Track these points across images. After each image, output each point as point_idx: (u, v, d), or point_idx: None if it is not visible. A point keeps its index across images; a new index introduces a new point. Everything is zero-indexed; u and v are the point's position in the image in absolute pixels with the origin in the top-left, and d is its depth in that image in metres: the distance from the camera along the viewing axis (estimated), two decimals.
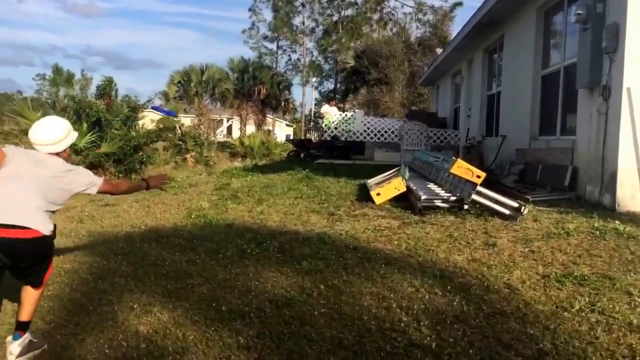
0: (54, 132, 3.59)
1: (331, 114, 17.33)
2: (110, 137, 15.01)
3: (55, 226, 3.40)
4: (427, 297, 3.63)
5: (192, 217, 6.54)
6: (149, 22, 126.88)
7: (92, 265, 4.62)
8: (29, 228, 3.16)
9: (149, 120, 21.77)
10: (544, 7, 9.57)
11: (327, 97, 46.72)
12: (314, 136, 40.26)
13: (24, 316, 3.33)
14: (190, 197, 8.18)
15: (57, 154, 3.57)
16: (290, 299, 3.67)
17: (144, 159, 15.96)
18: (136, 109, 17.82)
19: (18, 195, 3.24)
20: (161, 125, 22.82)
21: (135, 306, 3.60)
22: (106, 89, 21.59)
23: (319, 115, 16.64)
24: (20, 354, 3.15)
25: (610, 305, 3.35)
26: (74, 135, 3.75)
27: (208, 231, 5.79)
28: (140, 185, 4.07)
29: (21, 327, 3.27)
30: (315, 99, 51.56)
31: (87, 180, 3.62)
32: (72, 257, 4.93)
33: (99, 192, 3.71)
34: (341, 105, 38.06)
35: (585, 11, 6.92)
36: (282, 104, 41.38)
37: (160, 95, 38.28)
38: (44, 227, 3.25)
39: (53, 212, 3.46)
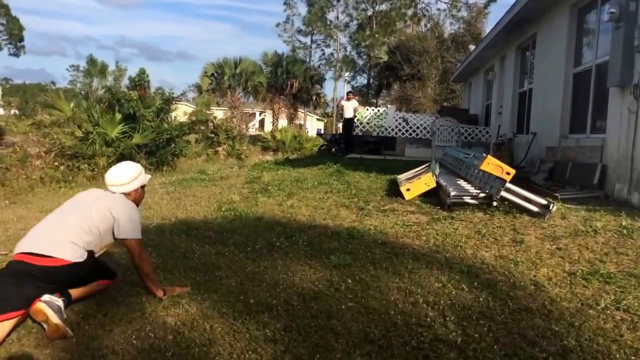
0: (122, 174, 3.91)
1: (346, 107, 17.41)
2: (142, 129, 15.21)
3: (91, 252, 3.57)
4: (453, 292, 3.69)
5: (222, 210, 6.65)
6: (183, 13, 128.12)
7: (121, 256, 4.68)
8: (53, 257, 3.34)
9: (181, 112, 22.05)
10: (577, 5, 9.49)
11: (354, 90, 46.66)
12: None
13: (74, 292, 3.56)
14: (221, 190, 8.32)
15: (128, 194, 3.89)
16: (317, 292, 3.74)
17: (176, 152, 16.14)
18: (169, 101, 18.03)
19: (54, 225, 3.54)
20: (194, 118, 23.08)
21: (164, 298, 3.66)
22: (140, 80, 21.84)
23: (340, 109, 16.68)
24: (48, 303, 3.27)
25: (636, 304, 3.38)
26: (144, 178, 4.02)
27: (238, 224, 5.89)
28: (155, 284, 3.74)
29: (62, 294, 3.45)
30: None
31: (131, 225, 3.75)
32: None
33: (127, 244, 3.76)
34: (374, 101, 37.97)
35: (618, 9, 6.88)
36: (314, 98, 41.45)
37: (194, 88, 38.67)
38: (71, 255, 3.39)
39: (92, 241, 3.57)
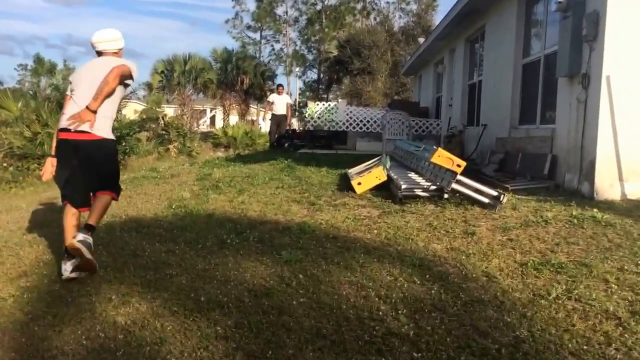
0: (111, 34, 4.52)
1: (277, 102, 16.42)
2: None
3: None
4: (405, 285, 3.62)
5: (173, 207, 6.48)
6: (131, 11, 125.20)
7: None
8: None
9: (132, 110, 21.58)
10: None
11: (310, 88, 46.78)
12: (297, 126, 40.19)
13: (92, 220, 4.16)
14: (171, 188, 8.14)
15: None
16: (269, 288, 3.64)
17: (127, 150, 15.82)
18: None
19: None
20: (144, 116, 22.65)
21: (113, 297, 3.56)
22: None
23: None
24: (81, 242, 3.90)
25: (587, 293, 3.37)
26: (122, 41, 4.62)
27: (188, 221, 5.74)
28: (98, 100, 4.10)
29: (87, 228, 4.08)
30: (300, 89, 51.46)
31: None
32: (51, 248, 4.87)
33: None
34: (324, 96, 38.04)
35: None
36: (266, 93, 41.28)
37: (144, 86, 37.99)
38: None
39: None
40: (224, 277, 3.91)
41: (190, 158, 18.43)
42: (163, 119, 22.52)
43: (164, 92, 34.51)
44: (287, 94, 17.11)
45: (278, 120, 16.60)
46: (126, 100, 18.57)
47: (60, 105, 15.51)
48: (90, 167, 4.20)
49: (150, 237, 5.12)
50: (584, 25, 6.58)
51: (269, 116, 16.68)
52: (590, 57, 6.59)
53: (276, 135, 16.90)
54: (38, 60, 64.18)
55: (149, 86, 35.72)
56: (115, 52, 4.51)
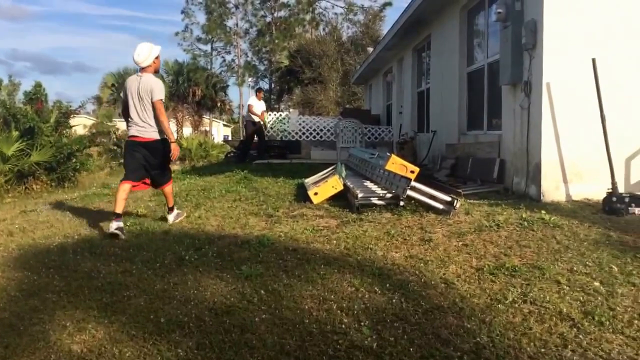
0: (138, 55, 5.92)
1: (256, 107, 15.57)
2: (41, 145, 14.44)
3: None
4: (366, 296, 3.67)
5: (128, 224, 6.35)
6: (79, 25, 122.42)
7: (22, 281, 4.39)
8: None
9: (81, 125, 21.13)
10: (467, 7, 9.88)
11: (254, 89, 46.73)
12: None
13: (169, 203, 6.44)
14: (126, 204, 7.96)
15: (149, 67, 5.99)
16: (230, 306, 3.62)
17: (77, 166, 15.45)
18: (68, 114, 17.27)
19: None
20: (95, 131, 22.22)
21: (68, 324, 3.43)
22: (36, 94, 20.79)
23: (248, 110, 15.48)
24: (174, 220, 6.32)
25: (541, 295, 3.49)
26: (155, 50, 6.03)
27: (145, 239, 5.64)
28: (170, 132, 6.19)
29: (170, 209, 6.44)
30: None
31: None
32: (0, 273, 4.71)
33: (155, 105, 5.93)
34: (276, 106, 38.03)
35: (505, 9, 7.19)
36: (219, 104, 41.10)
37: (93, 100, 37.27)
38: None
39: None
40: (183, 297, 3.85)
41: None
42: (115, 133, 22.13)
43: (115, 105, 33.93)
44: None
45: (258, 127, 15.73)
46: (75, 114, 18.15)
47: (6, 123, 15.19)
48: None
49: (106, 258, 4.99)
50: (523, 34, 6.82)
51: (256, 119, 15.54)
52: (530, 65, 6.83)
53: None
54: None
55: (98, 100, 35.07)
56: (151, 65, 6.01)
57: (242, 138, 17.24)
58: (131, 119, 6.03)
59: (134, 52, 5.91)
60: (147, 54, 5.91)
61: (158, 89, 5.94)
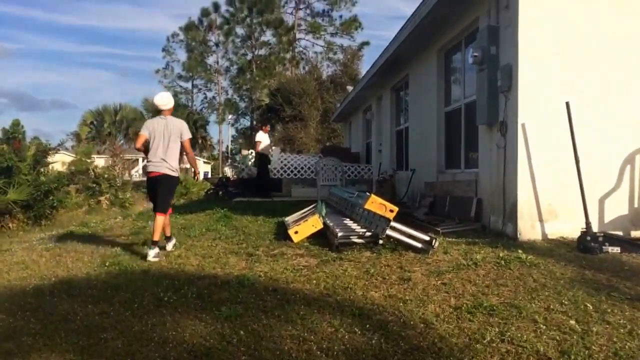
0: (163, 100, 7.04)
1: (264, 143, 16.16)
2: (18, 183, 14.31)
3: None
4: (346, 336, 3.68)
5: (107, 264, 6.30)
6: (57, 62, 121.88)
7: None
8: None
9: (60, 162, 20.95)
10: (444, 49, 10.13)
11: (260, 121, 46.89)
12: (231, 174, 40.00)
13: (154, 237, 6.65)
14: (104, 244, 7.91)
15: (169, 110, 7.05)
16: (209, 347, 3.60)
17: (55, 204, 15.28)
18: (46, 152, 17.17)
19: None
20: (73, 168, 22.00)
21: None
22: (14, 132, 20.65)
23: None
24: (154, 257, 6.41)
25: (519, 334, 3.54)
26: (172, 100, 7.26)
27: (123, 279, 5.58)
28: (197, 166, 7.62)
29: (154, 244, 6.58)
30: (232, 136, 51.46)
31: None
32: None
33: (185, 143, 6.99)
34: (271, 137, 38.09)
35: (481, 53, 7.38)
36: (199, 142, 41.12)
37: (72, 136, 37.09)
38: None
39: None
40: (162, 338, 3.82)
41: (123, 209, 17.99)
42: (93, 170, 21.96)
43: (94, 142, 33.78)
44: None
45: (266, 160, 16.23)
46: (54, 152, 18.04)
47: None
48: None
49: (83, 299, 4.91)
50: (499, 77, 7.01)
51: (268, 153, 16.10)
52: (506, 107, 7.01)
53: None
54: None
55: (77, 137, 34.92)
56: (170, 110, 7.05)
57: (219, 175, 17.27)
58: (152, 156, 6.82)
59: (156, 99, 7.08)
60: (168, 100, 7.07)
61: (186, 129, 7.05)
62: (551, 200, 6.69)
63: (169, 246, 7.05)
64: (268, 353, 3.49)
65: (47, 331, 4.10)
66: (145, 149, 6.96)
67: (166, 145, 6.80)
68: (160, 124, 6.88)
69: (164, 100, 7.05)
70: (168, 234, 7.12)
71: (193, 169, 7.53)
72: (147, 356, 3.52)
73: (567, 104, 6.44)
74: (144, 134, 6.92)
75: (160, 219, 6.75)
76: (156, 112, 7.25)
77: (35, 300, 4.95)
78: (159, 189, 6.86)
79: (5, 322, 4.40)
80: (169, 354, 3.54)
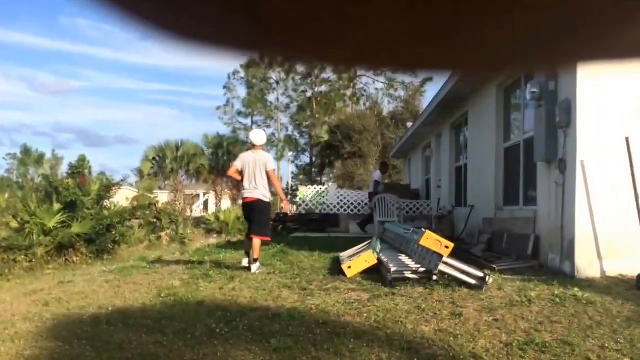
0: (260, 137, 8.37)
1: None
2: (82, 217, 14.89)
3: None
4: None
5: (162, 296, 6.48)
6: (122, 99, 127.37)
7: (54, 351, 4.48)
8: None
9: (124, 197, 21.72)
10: (503, 85, 10.10)
11: (303, 172, 47.39)
12: (289, 210, 40.30)
13: (255, 255, 7.86)
14: (161, 277, 8.15)
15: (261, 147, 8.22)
16: None
17: (117, 239, 15.78)
18: (109, 188, 17.84)
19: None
20: (136, 203, 22.74)
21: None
22: (79, 167, 21.56)
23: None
24: (255, 270, 7.62)
25: None
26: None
27: (178, 310, 5.74)
28: (284, 195, 9.02)
29: (255, 260, 7.83)
30: (292, 173, 52.01)
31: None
32: (34, 343, 4.78)
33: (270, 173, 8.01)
34: (318, 179, 38.43)
35: (539, 89, 7.33)
36: None
37: (135, 172, 38.28)
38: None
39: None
40: None
41: (182, 246, 18.39)
42: (155, 205, 22.58)
43: (156, 178, 34.74)
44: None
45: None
46: (118, 188, 18.73)
47: (48, 195, 15.82)
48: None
49: (138, 329, 5.04)
50: (557, 113, 6.94)
51: None
52: (565, 143, 6.91)
53: None
54: (25, 150, 64.88)
55: (140, 172, 35.96)
56: (261, 146, 8.21)
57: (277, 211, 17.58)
58: (247, 184, 7.94)
59: (252, 135, 8.47)
60: (263, 138, 8.37)
61: (271, 161, 8.22)
62: (611, 237, 6.51)
63: (254, 268, 7.79)
64: None
65: (102, 359, 4.24)
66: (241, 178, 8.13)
67: (257, 175, 7.88)
68: (251, 157, 8.01)
69: (260, 137, 8.33)
70: (255, 257, 7.87)
71: (280, 197, 8.87)
72: None
73: (627, 139, 6.32)
74: (237, 165, 8.11)
75: (257, 241, 7.83)
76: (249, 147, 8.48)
77: (92, 329, 5.10)
78: (253, 214, 7.97)
79: (62, 350, 4.56)
80: None
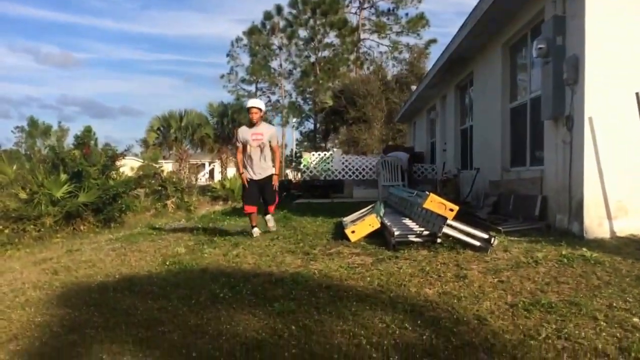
0: (260, 103, 8.16)
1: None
2: (88, 187, 14.97)
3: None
4: (397, 332, 3.63)
5: (167, 263, 6.47)
6: (126, 70, 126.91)
7: (63, 317, 4.51)
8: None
9: (129, 167, 21.74)
10: (509, 43, 9.87)
11: (307, 138, 47.13)
12: (294, 176, 40.29)
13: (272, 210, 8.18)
14: (167, 244, 8.14)
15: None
16: (261, 341, 3.64)
17: (123, 207, 15.87)
18: (114, 158, 17.84)
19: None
20: (141, 173, 22.78)
21: (104, 357, 3.52)
22: (85, 138, 21.58)
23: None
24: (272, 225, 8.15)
25: (577, 331, 3.40)
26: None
27: (182, 277, 5.72)
28: (278, 168, 8.12)
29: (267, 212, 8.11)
30: (296, 139, 51.86)
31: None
32: (44, 310, 4.83)
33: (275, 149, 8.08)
34: (322, 145, 38.28)
35: (546, 45, 7.13)
36: None
37: (140, 142, 38.26)
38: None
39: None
40: (216, 332, 3.89)
41: (188, 213, 18.45)
42: (160, 175, 22.62)
43: (161, 148, 34.71)
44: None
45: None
46: (122, 158, 18.74)
47: (55, 166, 15.85)
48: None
49: (143, 295, 5.07)
50: (565, 69, 6.75)
51: None
52: (572, 100, 6.74)
53: None
54: (32, 122, 65.12)
55: (144, 143, 35.92)
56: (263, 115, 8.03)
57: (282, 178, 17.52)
58: (255, 162, 7.94)
59: (252, 102, 8.20)
60: (262, 104, 8.14)
61: (277, 136, 8.34)
62: (620, 196, 6.39)
63: (271, 222, 8.20)
64: (318, 347, 3.49)
65: (109, 324, 4.25)
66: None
67: (265, 151, 7.95)
68: (254, 132, 7.93)
69: (260, 103, 8.16)
70: (272, 212, 8.28)
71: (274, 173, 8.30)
72: (202, 348, 3.60)
73: (637, 94, 6.15)
74: (239, 145, 8.20)
75: (273, 206, 8.27)
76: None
77: (99, 296, 5.14)
78: (265, 190, 8.02)
79: (71, 316, 4.60)
80: (222, 346, 3.61)
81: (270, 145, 7.94)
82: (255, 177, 7.91)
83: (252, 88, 50.89)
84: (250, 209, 7.94)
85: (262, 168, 7.92)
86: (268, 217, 8.11)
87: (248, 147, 7.87)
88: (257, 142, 7.85)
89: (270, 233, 8.10)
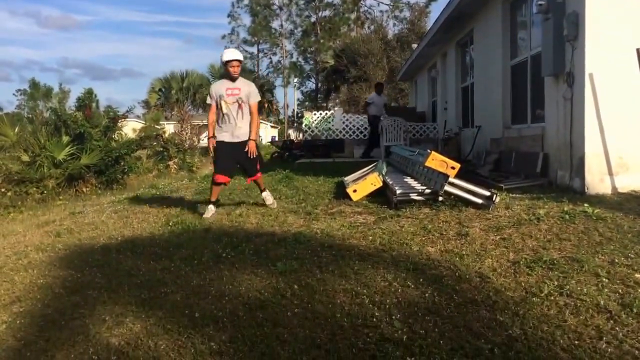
0: (238, 54, 7.05)
1: (376, 102, 15.90)
2: (90, 149, 14.95)
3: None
4: (399, 290, 3.65)
5: (170, 224, 6.47)
6: (127, 32, 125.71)
7: (66, 279, 4.54)
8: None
9: (130, 129, 21.65)
10: (509, 0, 9.71)
11: (309, 98, 46.84)
12: (295, 136, 40.17)
13: (262, 186, 7.24)
14: (169, 204, 8.14)
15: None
16: (263, 301, 3.66)
17: (125, 169, 15.88)
18: (116, 119, 17.76)
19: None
20: (143, 134, 22.72)
21: (107, 318, 3.55)
22: (86, 100, 21.45)
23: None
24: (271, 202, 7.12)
25: (578, 288, 3.41)
26: None
27: (185, 238, 5.74)
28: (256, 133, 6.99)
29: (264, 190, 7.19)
30: (298, 99, 51.58)
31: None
32: (46, 272, 4.86)
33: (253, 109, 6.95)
34: (324, 105, 38.06)
35: (546, 1, 7.03)
36: (266, 106, 41.34)
37: (142, 104, 38.06)
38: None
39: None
40: (218, 292, 3.91)
41: (190, 173, 18.43)
42: (162, 136, 22.57)
43: (162, 109, 34.54)
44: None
45: (377, 122, 15.75)
46: (124, 119, 18.64)
47: (57, 129, 15.79)
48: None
49: (146, 256, 5.09)
50: (565, 25, 6.66)
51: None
52: (572, 56, 6.66)
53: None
54: (33, 84, 64.83)
55: (146, 104, 35.76)
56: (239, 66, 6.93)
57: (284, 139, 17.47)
58: (228, 122, 6.91)
59: (228, 53, 6.97)
60: (239, 54, 7.10)
61: (256, 93, 7.20)
62: (622, 152, 6.36)
63: (269, 200, 7.15)
64: (320, 306, 3.51)
65: (111, 285, 4.28)
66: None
67: (243, 110, 6.93)
68: (229, 87, 6.93)
69: (236, 53, 7.04)
70: (263, 187, 7.28)
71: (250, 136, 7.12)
72: (204, 308, 3.61)
73: (638, 50, 6.05)
74: (212, 102, 7.18)
75: (260, 178, 7.19)
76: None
77: (102, 258, 5.16)
78: (244, 156, 6.94)
79: (73, 278, 4.63)
80: (225, 306, 3.62)
81: (249, 104, 6.87)
82: (233, 140, 6.81)
83: (254, 49, 50.43)
84: (223, 178, 6.80)
85: (241, 129, 6.82)
86: (264, 194, 7.14)
87: (223, 104, 6.76)
88: (234, 97, 6.80)
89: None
